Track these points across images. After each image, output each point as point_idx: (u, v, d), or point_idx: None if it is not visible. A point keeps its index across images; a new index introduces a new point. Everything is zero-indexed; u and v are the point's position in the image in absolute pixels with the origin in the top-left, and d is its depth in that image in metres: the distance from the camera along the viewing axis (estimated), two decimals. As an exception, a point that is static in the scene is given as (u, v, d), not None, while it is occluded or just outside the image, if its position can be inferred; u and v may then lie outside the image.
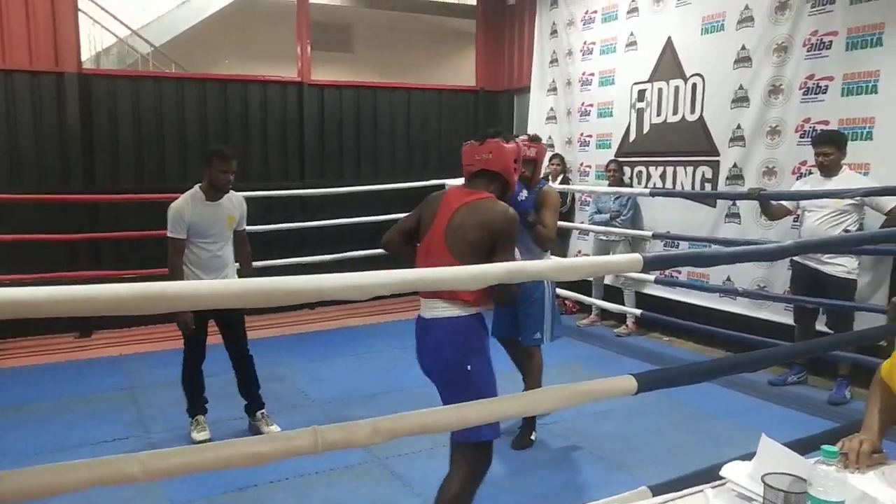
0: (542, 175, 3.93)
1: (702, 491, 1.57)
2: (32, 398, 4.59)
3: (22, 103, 6.00)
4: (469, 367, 2.52)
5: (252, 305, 1.50)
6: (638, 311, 5.79)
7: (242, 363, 4.10)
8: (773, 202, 4.74)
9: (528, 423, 3.86)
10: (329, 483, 3.37)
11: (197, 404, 4.02)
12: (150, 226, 6.12)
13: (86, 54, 7.65)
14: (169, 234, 3.81)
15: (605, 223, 6.18)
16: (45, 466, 1.42)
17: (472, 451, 2.54)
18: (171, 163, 6.65)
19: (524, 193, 3.54)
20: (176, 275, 3.79)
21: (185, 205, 3.80)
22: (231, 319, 4.00)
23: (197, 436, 3.93)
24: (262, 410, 4.12)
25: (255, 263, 6.25)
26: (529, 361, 3.84)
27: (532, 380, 3.81)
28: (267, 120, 7.07)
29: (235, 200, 4.03)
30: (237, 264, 4.14)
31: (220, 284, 1.51)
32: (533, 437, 3.85)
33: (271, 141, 7.10)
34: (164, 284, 1.44)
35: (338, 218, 6.89)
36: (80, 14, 6.48)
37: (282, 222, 6.73)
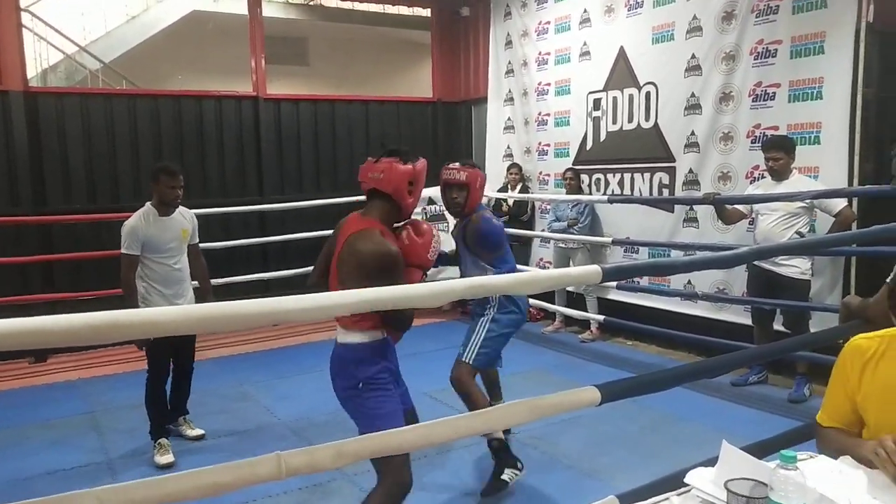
0: (481, 201, 3.75)
1: (668, 499, 1.59)
2: (-15, 429, 4.44)
3: (-34, 124, 5.83)
4: (357, 395, 2.52)
5: (213, 331, 1.47)
6: (601, 317, 5.86)
7: (187, 379, 4.28)
8: (728, 206, 4.85)
9: (499, 462, 3.39)
10: (298, 503, 3.32)
11: (161, 426, 3.99)
12: (106, 245, 5.99)
13: (31, 72, 7.45)
14: (123, 251, 3.88)
15: (563, 231, 6.24)
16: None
17: (387, 474, 2.55)
18: (125, 181, 6.51)
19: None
20: (129, 289, 3.89)
21: (140, 222, 3.89)
22: (187, 338, 4.11)
23: (161, 459, 3.84)
24: (186, 415, 4.30)
25: (216, 280, 6.18)
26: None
27: (465, 400, 3.51)
28: (223, 135, 6.99)
29: (187, 215, 4.15)
30: (194, 282, 4.24)
31: (179, 311, 1.48)
32: (507, 478, 3.36)
33: (228, 156, 7.01)
34: (119, 313, 1.40)
35: (299, 232, 6.83)
36: (24, 31, 6.32)
37: (242, 238, 6.64)
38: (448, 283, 1.78)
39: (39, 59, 8.53)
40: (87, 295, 5.74)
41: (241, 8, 7.45)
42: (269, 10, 8.49)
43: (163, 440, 3.95)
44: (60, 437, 4.26)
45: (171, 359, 4.11)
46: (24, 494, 1.36)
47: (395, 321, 2.51)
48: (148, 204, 3.98)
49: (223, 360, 5.91)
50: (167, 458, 3.85)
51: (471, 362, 3.51)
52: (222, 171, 6.99)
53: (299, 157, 7.41)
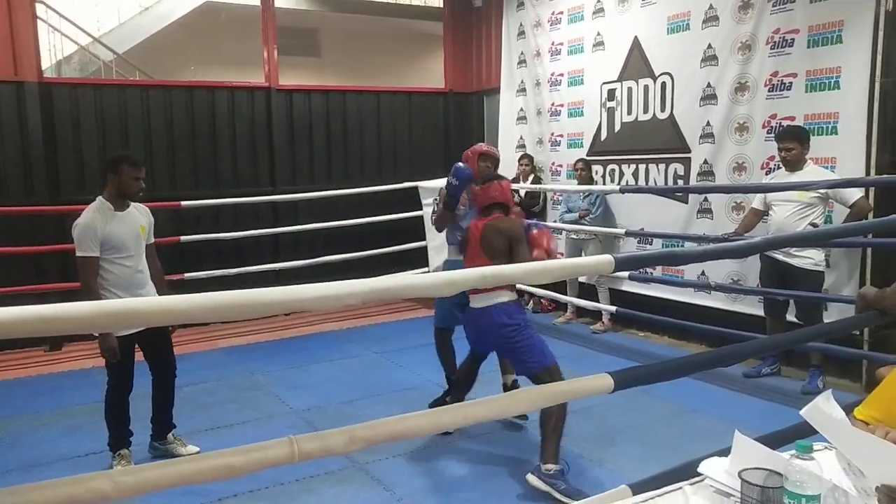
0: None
1: (681, 488, 1.58)
2: (4, 414, 4.48)
3: (-19, 114, 5.87)
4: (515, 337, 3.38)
5: (229, 319, 1.47)
6: (613, 308, 5.83)
7: (170, 379, 3.80)
8: (741, 230, 4.78)
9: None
10: (309, 490, 3.34)
11: (123, 436, 3.66)
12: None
13: (46, 63, 7.49)
14: (80, 254, 3.37)
15: (575, 222, 6.22)
16: (11, 488, 1.38)
17: (548, 375, 3.23)
18: (139, 171, 6.53)
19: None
20: (94, 298, 3.10)
21: (95, 218, 3.42)
22: (155, 333, 3.58)
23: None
24: (174, 431, 3.86)
25: (231, 270, 6.21)
26: None
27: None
28: (235, 126, 7.00)
29: (142, 210, 3.71)
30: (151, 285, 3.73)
31: (198, 299, 1.46)
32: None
33: (240, 147, 7.02)
34: (138, 300, 1.41)
35: (311, 223, 6.85)
36: (38, 22, 6.35)
37: (253, 229, 6.67)
38: (461, 273, 1.77)
39: (54, 50, 8.58)
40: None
41: (254, -2, 7.45)
42: (281, 1, 8.47)
43: (124, 451, 3.64)
44: (75, 424, 4.29)
45: (133, 368, 3.61)
46: (40, 479, 1.38)
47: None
48: (100, 198, 3.51)
49: (234, 349, 5.94)
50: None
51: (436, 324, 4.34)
52: (234, 161, 7.01)
53: (311, 147, 7.41)
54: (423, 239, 7.18)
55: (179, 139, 6.71)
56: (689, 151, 5.58)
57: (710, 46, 5.33)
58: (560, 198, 6.77)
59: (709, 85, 5.36)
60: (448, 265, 4.38)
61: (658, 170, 5.89)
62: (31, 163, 6.04)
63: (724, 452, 1.62)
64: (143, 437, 3.85)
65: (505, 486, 3.37)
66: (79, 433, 4.16)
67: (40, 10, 7.00)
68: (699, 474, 1.59)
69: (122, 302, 1.51)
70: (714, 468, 1.55)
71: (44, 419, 4.40)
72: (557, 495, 3.14)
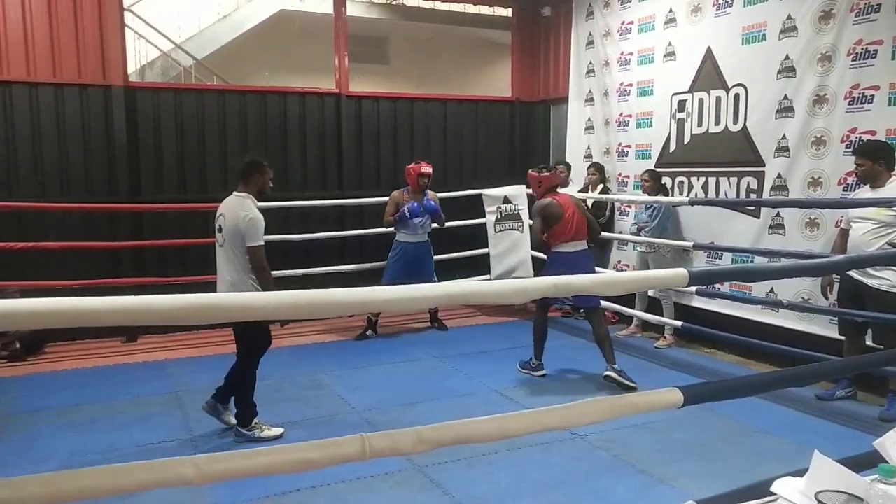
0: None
1: (752, 507, 1.55)
2: (81, 401, 4.71)
3: (72, 116, 6.20)
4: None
5: (309, 317, 1.53)
6: (678, 323, 5.71)
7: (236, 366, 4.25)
8: (837, 251, 4.58)
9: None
10: (369, 490, 3.39)
11: (254, 406, 4.09)
12: (193, 234, 6.27)
13: (131, 67, 7.85)
14: (256, 244, 3.88)
15: (635, 234, 6.15)
16: (104, 468, 1.46)
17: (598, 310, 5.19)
18: (212, 173, 6.78)
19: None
20: (271, 279, 3.95)
21: (258, 212, 3.94)
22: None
23: (271, 433, 4.06)
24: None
25: (296, 271, 6.51)
26: None
27: None
28: (306, 131, 7.18)
29: None
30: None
31: (284, 296, 1.53)
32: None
33: (310, 151, 7.20)
34: (225, 296, 1.48)
35: (376, 227, 6.95)
36: (125, 29, 6.66)
37: (320, 231, 6.83)
38: (533, 282, 1.79)
39: (138, 55, 9.00)
40: (173, 281, 6.02)
41: (326, 7, 7.64)
42: (352, 10, 8.66)
43: (257, 420, 4.08)
44: (148, 414, 4.48)
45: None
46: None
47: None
48: (246, 194, 4.00)
49: (298, 348, 6.08)
50: (276, 430, 4.06)
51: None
52: (304, 165, 7.19)
53: (378, 153, 7.54)
54: (485, 246, 7.20)
55: (252, 142, 6.92)
56: (763, 165, 5.43)
57: (787, 57, 5.19)
58: (628, 209, 6.69)
59: (785, 97, 5.22)
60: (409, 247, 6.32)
61: (729, 183, 5.76)
62: (115, 162, 6.34)
63: (799, 473, 1.58)
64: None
65: (559, 499, 3.35)
66: (151, 422, 4.34)
67: (127, 17, 7.34)
68: (770, 494, 1.56)
69: (220, 296, 1.59)
70: (788, 488, 1.52)
71: (119, 407, 4.61)
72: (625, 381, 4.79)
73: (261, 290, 3.89)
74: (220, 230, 4.02)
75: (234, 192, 4.06)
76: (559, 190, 5.32)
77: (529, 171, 5.47)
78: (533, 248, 5.76)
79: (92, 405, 4.64)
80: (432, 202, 6.26)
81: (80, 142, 6.25)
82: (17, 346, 5.69)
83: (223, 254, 4.02)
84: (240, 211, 3.89)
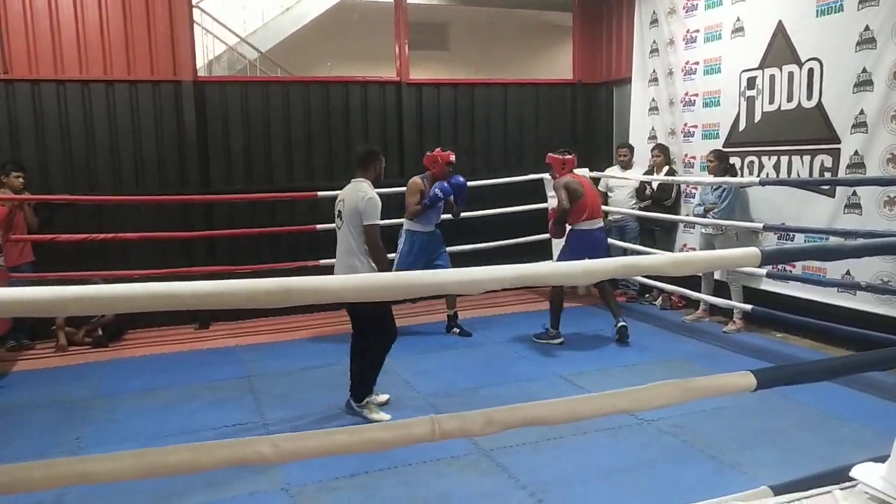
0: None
1: (830, 492, 1.52)
2: (158, 385, 4.93)
3: (145, 112, 6.45)
4: None
5: (383, 299, 1.57)
6: (748, 307, 5.55)
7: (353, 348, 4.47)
8: None
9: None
10: (436, 473, 3.44)
11: (372, 386, 4.34)
12: (261, 224, 6.45)
13: (199, 62, 8.09)
14: (374, 222, 4.18)
15: (701, 216, 5.99)
16: (188, 445, 1.54)
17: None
18: (278, 164, 6.94)
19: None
20: (385, 257, 4.28)
21: (376, 195, 4.22)
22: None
23: (378, 416, 4.25)
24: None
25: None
26: None
27: None
28: (368, 119, 7.27)
29: None
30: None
31: (361, 279, 1.59)
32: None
33: (372, 139, 7.26)
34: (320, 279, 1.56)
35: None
36: (194, 25, 6.86)
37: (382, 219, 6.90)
38: (600, 262, 1.78)
39: (206, 50, 9.25)
40: (244, 269, 6.20)
41: (386, -5, 7.68)
42: (412, -3, 8.69)
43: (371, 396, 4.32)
44: (221, 398, 4.65)
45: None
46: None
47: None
48: (365, 180, 4.29)
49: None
50: (384, 415, 4.25)
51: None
52: (366, 153, 7.27)
53: (439, 140, 7.54)
54: (547, 231, 7.14)
55: (316, 132, 7.05)
56: (839, 142, 5.21)
57: (867, 28, 4.94)
58: (693, 191, 6.53)
59: (864, 70, 4.98)
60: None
61: (802, 161, 5.54)
62: (186, 155, 6.56)
63: (881, 459, 1.53)
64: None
65: (626, 484, 3.32)
66: (224, 405, 4.50)
67: (195, 14, 7.56)
68: (850, 479, 1.52)
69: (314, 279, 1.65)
70: (869, 474, 1.48)
71: (194, 391, 4.80)
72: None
73: (376, 269, 4.16)
74: (339, 215, 4.28)
75: (353, 179, 4.33)
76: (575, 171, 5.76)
77: (550, 154, 5.79)
78: (556, 224, 5.69)
79: (169, 389, 4.85)
80: (461, 178, 5.79)
81: (153, 137, 6.50)
82: (101, 333, 6.00)
83: (341, 236, 4.29)
84: (359, 192, 4.19)
